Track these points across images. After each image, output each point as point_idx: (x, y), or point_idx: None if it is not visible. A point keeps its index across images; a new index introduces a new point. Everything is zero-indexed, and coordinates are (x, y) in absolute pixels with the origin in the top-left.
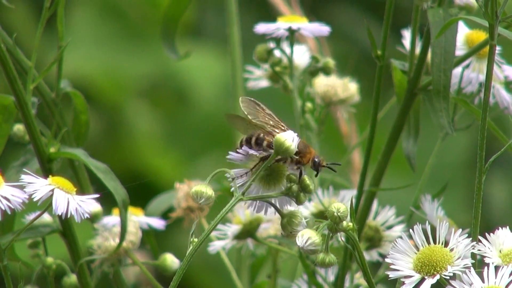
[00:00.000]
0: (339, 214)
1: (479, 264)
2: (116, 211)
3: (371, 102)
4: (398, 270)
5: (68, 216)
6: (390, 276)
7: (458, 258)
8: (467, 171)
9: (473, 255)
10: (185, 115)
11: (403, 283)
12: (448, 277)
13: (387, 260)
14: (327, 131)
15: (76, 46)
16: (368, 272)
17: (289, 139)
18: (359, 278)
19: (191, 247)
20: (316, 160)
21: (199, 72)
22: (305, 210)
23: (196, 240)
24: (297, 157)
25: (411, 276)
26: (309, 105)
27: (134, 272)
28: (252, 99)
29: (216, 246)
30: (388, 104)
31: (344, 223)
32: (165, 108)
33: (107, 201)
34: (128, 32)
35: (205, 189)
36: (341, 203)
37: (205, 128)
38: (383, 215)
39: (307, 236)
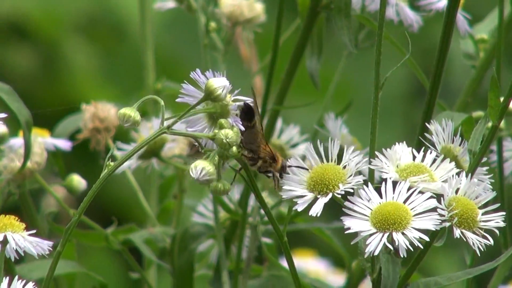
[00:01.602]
0: (227, 140)
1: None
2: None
3: (275, 22)
4: (291, 190)
5: None
6: (283, 196)
7: (350, 175)
8: (405, 102)
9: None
10: (123, 50)
11: (296, 202)
12: (341, 195)
13: (280, 183)
14: (231, 52)
15: None
16: (260, 193)
17: (220, 87)
18: (266, 196)
19: (106, 170)
20: (284, 165)
21: (134, 5)
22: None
23: (112, 164)
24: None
25: (304, 196)
26: (213, 24)
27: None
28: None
29: (122, 166)
30: (292, 24)
31: (234, 148)
32: (102, 43)
33: (15, 123)
34: None
35: (132, 113)
36: (229, 130)
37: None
38: (287, 134)
39: (200, 167)
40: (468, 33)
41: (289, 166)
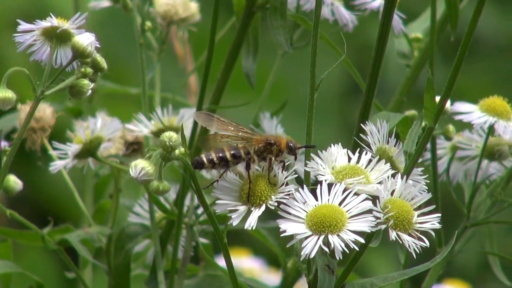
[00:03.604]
0: (171, 143)
1: None
2: None
3: (210, 21)
4: (224, 204)
5: None
6: (217, 211)
7: (282, 185)
8: (342, 100)
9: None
10: None
11: (231, 217)
12: (274, 206)
13: (212, 194)
14: (166, 51)
15: None
16: (202, 194)
17: (88, 44)
18: None
19: None
20: (291, 145)
21: (69, 3)
22: (145, 129)
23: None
24: (276, 148)
25: (237, 210)
26: (148, 24)
27: None
28: (205, 112)
29: (57, 165)
30: (228, 23)
31: (177, 151)
32: None
33: None
34: None
35: (8, 93)
36: (173, 132)
37: None
38: None
39: (140, 167)
40: (403, 32)
41: (299, 148)
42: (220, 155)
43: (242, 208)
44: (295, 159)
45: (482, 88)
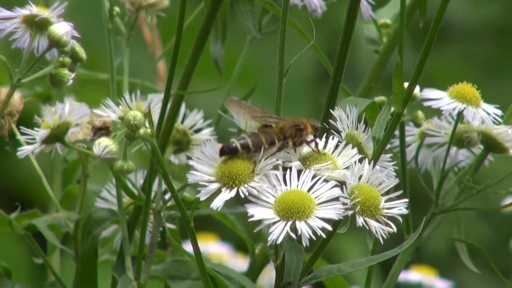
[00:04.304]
0: (135, 122)
1: None
2: None
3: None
4: (197, 175)
5: None
6: (189, 179)
7: (260, 173)
8: (313, 84)
9: None
10: None
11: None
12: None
13: (190, 162)
14: (135, 37)
15: None
16: (168, 176)
17: (64, 33)
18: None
19: None
20: (315, 125)
21: None
22: (113, 114)
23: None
24: (306, 132)
25: (208, 185)
26: (117, 9)
27: None
28: (236, 100)
29: (25, 150)
30: (196, 9)
31: (142, 130)
32: None
33: None
34: None
35: None
36: (137, 111)
37: None
38: (191, 119)
39: (104, 145)
40: (372, 18)
41: (319, 127)
42: (255, 140)
43: (214, 186)
44: (319, 137)
45: (455, 72)
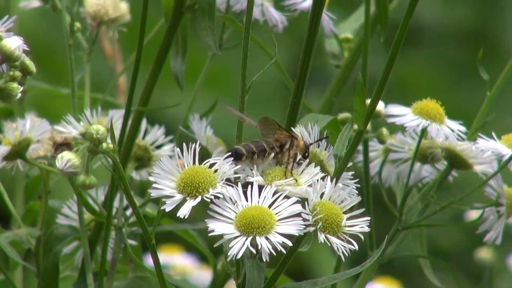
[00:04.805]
0: (98, 136)
1: None
2: None
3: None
4: (160, 189)
5: None
6: (152, 194)
7: (221, 180)
8: (285, 89)
9: None
10: None
11: (165, 203)
12: (210, 199)
13: (150, 178)
14: (96, 51)
15: None
16: (130, 192)
17: (16, 48)
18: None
19: None
20: (307, 145)
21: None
22: (74, 130)
23: None
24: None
25: (172, 196)
26: (78, 25)
27: None
28: (270, 119)
29: None
30: (157, 24)
31: (104, 144)
32: None
33: None
34: None
35: None
36: (100, 125)
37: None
38: (152, 135)
39: (66, 159)
40: (333, 33)
41: (311, 144)
42: (260, 147)
43: (178, 196)
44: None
45: (426, 76)
